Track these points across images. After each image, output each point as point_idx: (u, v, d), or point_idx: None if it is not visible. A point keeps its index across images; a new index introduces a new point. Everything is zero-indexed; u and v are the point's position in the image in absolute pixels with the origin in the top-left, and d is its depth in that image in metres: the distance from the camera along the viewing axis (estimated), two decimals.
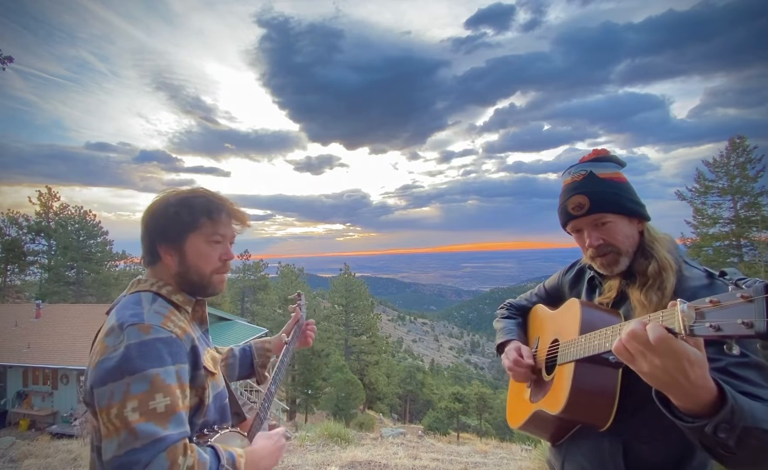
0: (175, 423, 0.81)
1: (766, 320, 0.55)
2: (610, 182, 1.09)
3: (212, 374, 1.00)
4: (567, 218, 1.14)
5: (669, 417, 0.77)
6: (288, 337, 1.43)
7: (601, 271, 1.14)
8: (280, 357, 1.34)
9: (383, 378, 29.54)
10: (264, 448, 1.01)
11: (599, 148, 1.17)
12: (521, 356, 1.25)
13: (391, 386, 30.72)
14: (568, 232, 1.20)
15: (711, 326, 0.61)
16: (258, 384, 1.41)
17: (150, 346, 0.84)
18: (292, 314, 1.52)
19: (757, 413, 0.73)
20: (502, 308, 1.57)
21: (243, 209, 1.11)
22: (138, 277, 1.02)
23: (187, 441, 0.82)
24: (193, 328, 1.01)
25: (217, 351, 1.40)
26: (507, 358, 1.27)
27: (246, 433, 1.06)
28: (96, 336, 0.93)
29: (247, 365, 1.41)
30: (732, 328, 0.58)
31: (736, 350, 0.61)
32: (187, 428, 0.85)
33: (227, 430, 1.00)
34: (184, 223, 0.99)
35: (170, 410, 0.81)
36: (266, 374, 1.43)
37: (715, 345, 0.71)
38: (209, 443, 0.90)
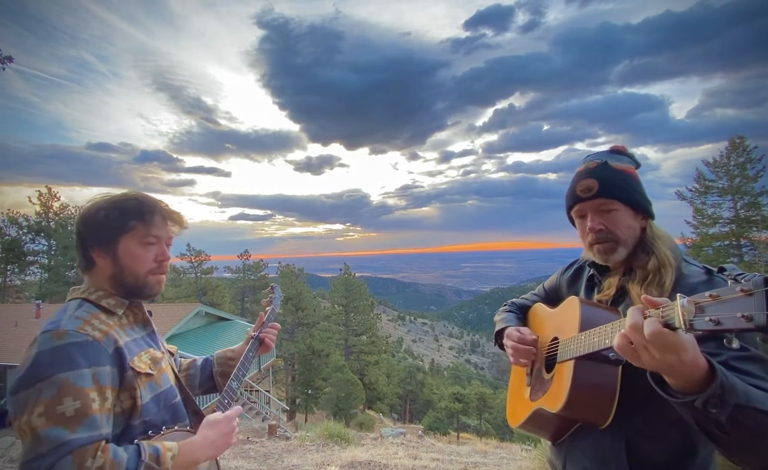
0: (86, 426, 0.82)
1: (765, 313, 0.55)
2: (622, 172, 1.10)
3: (147, 375, 0.99)
4: (574, 201, 1.14)
5: (662, 395, 0.78)
6: (255, 332, 1.39)
7: (597, 260, 1.14)
8: (245, 351, 1.31)
9: (383, 378, 29.52)
10: (205, 438, 1.00)
11: (619, 145, 1.18)
12: (522, 333, 1.26)
13: (391, 386, 30.69)
14: (571, 221, 1.21)
15: (711, 320, 0.61)
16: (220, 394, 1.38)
17: (61, 351, 0.85)
18: (267, 308, 1.49)
19: (753, 394, 0.74)
20: (504, 306, 1.58)
21: (178, 211, 1.12)
22: (75, 286, 1.04)
23: (102, 443, 0.83)
24: (127, 331, 1.02)
25: (180, 361, 1.38)
26: (509, 339, 1.28)
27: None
28: None
29: (206, 375, 1.37)
30: (732, 322, 0.58)
31: (735, 344, 0.62)
32: (104, 431, 0.85)
33: (174, 430, 1.00)
34: (116, 225, 1.00)
35: (81, 413, 0.82)
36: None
37: (714, 339, 0.72)
38: (136, 441, 0.90)
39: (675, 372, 0.73)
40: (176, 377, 1.14)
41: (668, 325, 0.68)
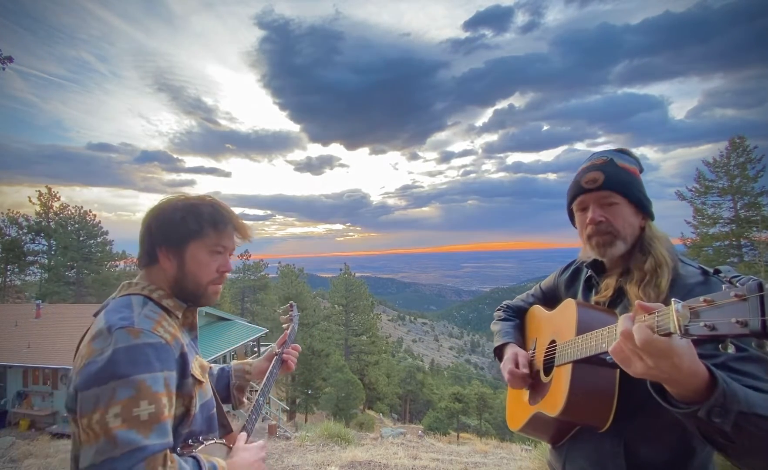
0: (158, 432, 0.78)
1: (760, 318, 0.55)
2: (626, 171, 1.11)
3: (200, 382, 0.98)
4: (577, 192, 1.15)
5: (664, 405, 0.78)
6: (279, 349, 1.40)
7: (594, 254, 1.14)
8: (270, 368, 1.33)
9: (383, 378, 29.50)
10: (244, 460, 0.99)
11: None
12: (516, 366, 1.25)
13: (391, 386, 30.67)
14: (570, 217, 1.22)
15: (706, 325, 0.61)
16: (234, 408, 1.35)
17: (139, 351, 0.81)
18: (284, 326, 1.50)
19: (755, 400, 0.73)
20: (499, 310, 1.57)
21: (247, 224, 1.11)
22: (128, 280, 1.00)
23: (168, 452, 0.80)
24: (182, 335, 0.99)
25: None
26: (504, 369, 1.28)
27: (231, 445, 1.04)
28: (81, 340, 0.91)
29: (223, 386, 1.34)
30: (727, 327, 0.58)
31: (731, 349, 0.61)
32: (170, 439, 0.82)
33: (212, 442, 0.98)
34: (190, 229, 0.99)
35: (154, 418, 0.79)
36: (243, 399, 1.37)
37: (712, 342, 0.72)
38: (193, 454, 0.88)
39: (673, 380, 0.72)
40: (212, 388, 1.12)
41: (663, 331, 0.68)
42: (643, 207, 1.10)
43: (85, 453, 0.75)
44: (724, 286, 0.61)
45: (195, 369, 0.97)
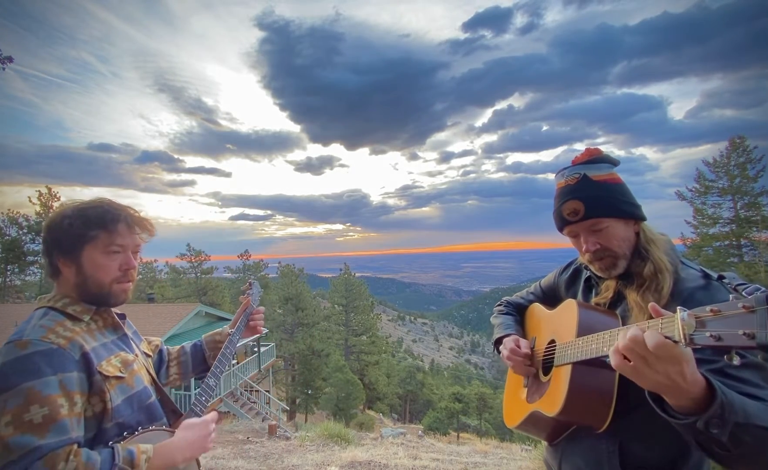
0: (55, 431, 0.83)
1: None
2: (604, 185, 1.07)
3: (117, 378, 1.00)
4: (562, 223, 1.14)
5: (664, 417, 0.77)
6: (233, 328, 1.40)
7: (599, 274, 1.14)
8: (222, 349, 1.30)
9: (383, 378, 29.50)
10: (182, 439, 1.01)
11: (592, 147, 1.14)
12: (518, 346, 1.26)
13: (391, 386, 30.68)
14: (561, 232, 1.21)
15: (711, 335, 0.60)
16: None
17: (26, 361, 0.86)
18: (241, 299, 1.48)
19: (751, 410, 0.72)
20: (499, 305, 1.57)
21: (146, 217, 1.11)
22: (41, 296, 1.04)
23: (73, 446, 0.84)
24: (96, 336, 1.02)
25: (168, 351, 1.40)
26: (505, 348, 1.29)
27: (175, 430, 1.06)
28: None
29: (199, 360, 1.39)
30: (733, 339, 0.58)
31: (736, 360, 0.61)
32: (74, 434, 0.87)
33: (150, 430, 1.01)
34: (78, 234, 1.00)
35: (49, 420, 0.83)
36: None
37: (716, 352, 0.71)
38: (111, 444, 0.91)
39: (676, 387, 0.71)
40: (152, 378, 1.15)
41: (667, 338, 0.67)
42: (631, 215, 1.07)
43: None
44: (731, 296, 0.61)
45: (107, 365, 0.98)
